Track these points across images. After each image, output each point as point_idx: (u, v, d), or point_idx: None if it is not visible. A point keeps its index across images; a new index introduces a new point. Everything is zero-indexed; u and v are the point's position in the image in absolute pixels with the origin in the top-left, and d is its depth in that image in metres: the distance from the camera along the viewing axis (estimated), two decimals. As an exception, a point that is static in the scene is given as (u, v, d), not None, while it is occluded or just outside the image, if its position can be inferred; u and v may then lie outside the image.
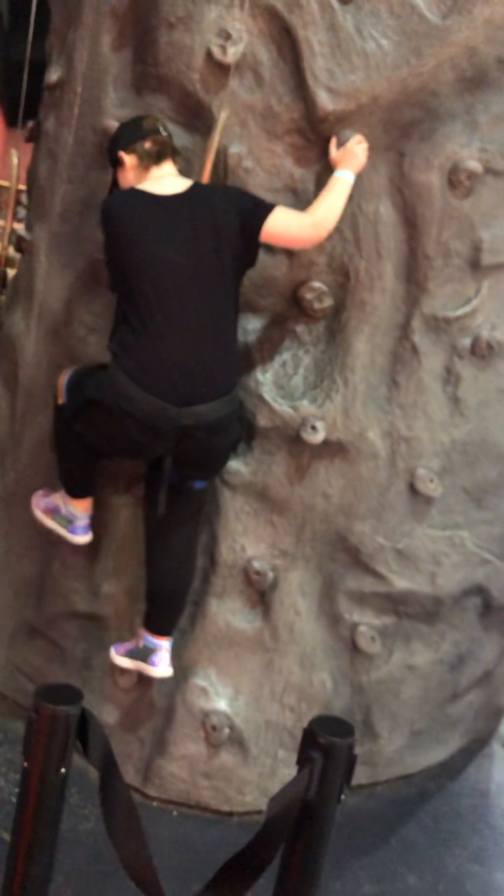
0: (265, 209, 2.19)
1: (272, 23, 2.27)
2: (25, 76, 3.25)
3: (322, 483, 2.45)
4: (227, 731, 2.48)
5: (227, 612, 2.50)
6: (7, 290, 3.10)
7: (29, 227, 2.81)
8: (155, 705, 2.56)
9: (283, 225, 2.20)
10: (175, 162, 2.29)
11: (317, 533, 2.49)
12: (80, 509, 2.50)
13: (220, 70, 2.28)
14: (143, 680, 2.56)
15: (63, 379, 2.38)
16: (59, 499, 2.54)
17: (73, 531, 2.51)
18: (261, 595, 2.50)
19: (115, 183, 2.34)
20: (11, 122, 18.89)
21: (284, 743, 2.56)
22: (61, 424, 2.37)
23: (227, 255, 2.17)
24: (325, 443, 2.40)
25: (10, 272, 3.29)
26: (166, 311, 2.12)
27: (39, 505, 2.58)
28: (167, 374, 2.11)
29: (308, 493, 2.46)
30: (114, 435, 2.24)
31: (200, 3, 2.30)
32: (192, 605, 2.52)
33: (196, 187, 2.23)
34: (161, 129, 2.27)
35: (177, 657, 2.53)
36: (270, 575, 2.47)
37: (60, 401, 2.36)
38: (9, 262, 3.31)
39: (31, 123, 2.95)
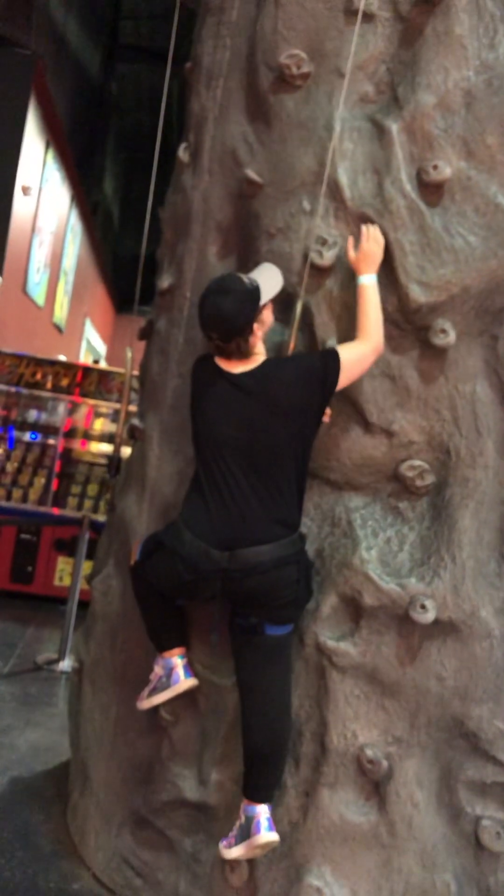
0: (334, 363, 2.33)
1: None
2: (140, 272, 3.57)
3: (435, 664, 2.38)
4: (345, 939, 2.31)
5: (341, 803, 2.39)
6: (120, 474, 3.27)
7: (142, 417, 3.00)
8: (267, 907, 2.42)
9: (349, 369, 2.35)
10: (248, 355, 2.39)
11: (432, 718, 2.39)
12: (174, 656, 2.58)
13: (317, 272, 2.46)
14: (255, 875, 2.44)
15: (137, 543, 2.61)
16: (153, 672, 2.61)
17: (175, 680, 2.55)
18: (375, 786, 2.39)
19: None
20: (119, 310, 20.46)
21: None
22: (137, 582, 2.58)
23: (284, 425, 2.33)
24: (436, 622, 2.36)
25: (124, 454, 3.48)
26: (220, 471, 2.36)
27: (142, 698, 2.63)
28: (212, 523, 2.34)
29: (421, 676, 2.39)
30: (168, 574, 2.41)
31: (297, 214, 2.52)
32: (303, 797, 2.43)
33: (265, 364, 2.40)
34: (214, 342, 2.38)
35: (289, 853, 2.41)
36: (385, 764, 2.37)
37: (133, 561, 2.58)
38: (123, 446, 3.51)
39: (143, 323, 3.22)
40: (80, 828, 2.95)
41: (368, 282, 2.38)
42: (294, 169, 2.55)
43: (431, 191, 2.42)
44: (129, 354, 3.49)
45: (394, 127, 2.43)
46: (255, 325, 2.36)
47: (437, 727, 2.40)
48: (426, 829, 2.38)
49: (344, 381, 2.36)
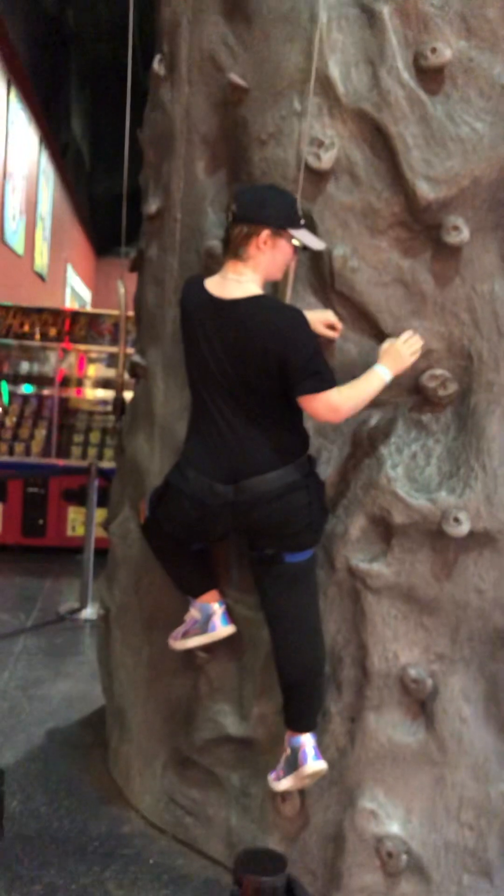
0: (302, 388, 2.13)
1: (362, 124, 2.29)
2: (125, 210, 3.40)
3: (473, 577, 2.31)
4: (404, 857, 2.29)
5: (388, 726, 2.35)
6: (125, 416, 3.15)
7: (142, 353, 2.87)
8: (323, 833, 2.40)
9: (309, 406, 2.17)
10: (237, 263, 2.19)
11: (474, 632, 2.33)
12: (212, 602, 2.50)
13: (316, 177, 2.30)
14: (307, 804, 2.42)
15: (143, 501, 2.52)
16: (189, 613, 2.54)
17: (212, 628, 2.49)
18: (421, 705, 2.34)
19: None
20: (100, 253, 19.98)
21: (467, 866, 2.34)
22: (151, 537, 2.52)
23: (250, 382, 2.18)
24: (471, 534, 2.27)
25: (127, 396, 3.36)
26: (213, 403, 2.26)
27: (176, 637, 2.56)
28: (213, 457, 2.25)
29: (459, 590, 2.31)
30: (177, 514, 2.34)
31: (289, 117, 2.35)
32: (348, 722, 2.38)
33: (257, 300, 2.17)
34: (227, 219, 2.20)
35: (340, 779, 2.38)
36: (429, 682, 2.31)
37: (143, 519, 2.51)
38: (125, 387, 3.39)
39: (132, 254, 3.06)
40: (123, 772, 2.94)
41: (381, 373, 2.23)
42: (281, 68, 2.36)
43: (431, 77, 2.24)
44: (122, 289, 3.34)
45: (385, 10, 2.24)
46: (266, 236, 2.14)
47: (479, 640, 2.34)
48: (476, 744, 2.34)
49: (301, 403, 2.17)
